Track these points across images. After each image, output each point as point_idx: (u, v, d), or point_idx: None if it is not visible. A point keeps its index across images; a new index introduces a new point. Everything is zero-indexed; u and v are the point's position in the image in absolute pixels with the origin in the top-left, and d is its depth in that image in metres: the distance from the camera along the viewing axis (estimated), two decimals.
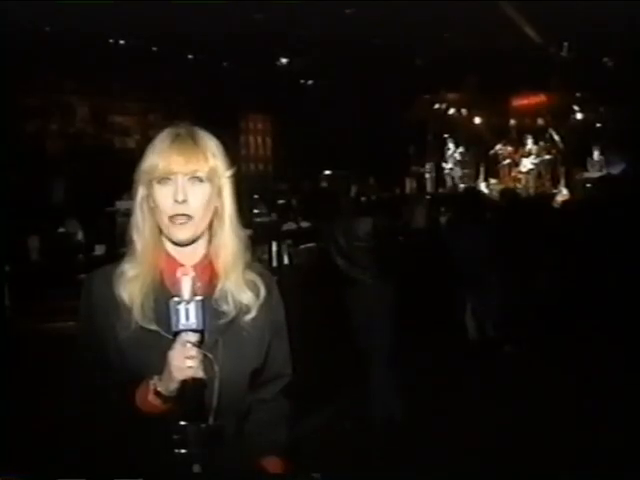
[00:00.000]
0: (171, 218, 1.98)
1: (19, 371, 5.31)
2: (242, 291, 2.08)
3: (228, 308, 2.06)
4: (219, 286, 2.07)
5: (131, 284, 2.01)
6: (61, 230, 9.32)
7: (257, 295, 2.10)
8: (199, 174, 1.98)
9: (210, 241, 2.08)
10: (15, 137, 14.02)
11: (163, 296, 1.96)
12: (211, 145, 2.04)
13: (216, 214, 2.05)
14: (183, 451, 1.88)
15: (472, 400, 6.34)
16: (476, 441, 5.39)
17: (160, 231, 2.05)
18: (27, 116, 15.50)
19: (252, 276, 2.12)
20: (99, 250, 8.27)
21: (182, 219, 1.98)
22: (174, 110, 16.37)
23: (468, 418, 5.89)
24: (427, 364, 7.20)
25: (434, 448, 5.34)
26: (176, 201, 1.96)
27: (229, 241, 2.07)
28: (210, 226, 2.06)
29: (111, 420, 1.99)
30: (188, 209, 1.98)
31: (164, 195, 1.98)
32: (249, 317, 2.08)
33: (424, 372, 6.93)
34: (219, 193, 2.04)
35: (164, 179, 1.98)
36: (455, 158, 19.14)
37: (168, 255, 2.06)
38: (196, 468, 1.89)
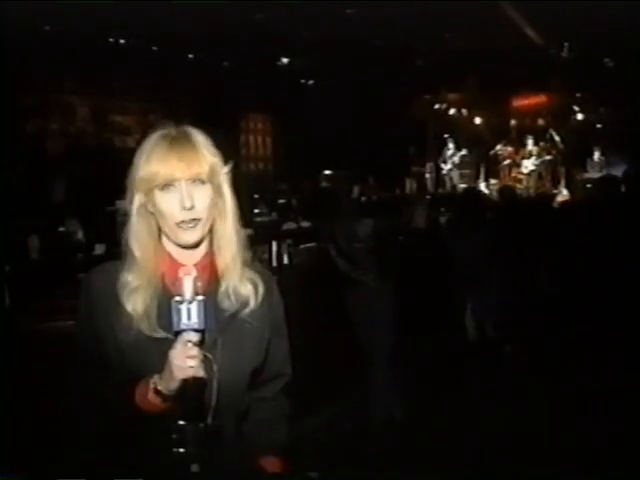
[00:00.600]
0: (178, 224, 1.98)
1: (19, 370, 5.31)
2: (242, 285, 2.08)
3: (229, 303, 2.06)
4: (219, 282, 2.07)
5: (134, 295, 2.00)
6: (61, 229, 9.32)
7: (256, 291, 2.10)
8: (201, 176, 1.98)
9: (212, 239, 2.07)
10: (15, 137, 14.01)
11: (166, 299, 1.95)
12: (206, 143, 2.03)
13: (217, 212, 2.05)
14: (182, 450, 1.87)
15: (472, 400, 6.32)
16: (476, 441, 5.38)
17: (160, 235, 2.04)
18: (27, 116, 15.47)
19: (251, 274, 2.12)
20: (99, 249, 8.27)
21: (190, 223, 1.98)
22: (174, 110, 16.34)
23: (468, 418, 5.87)
24: (427, 364, 7.21)
25: (434, 448, 5.32)
26: (184, 208, 1.95)
27: (231, 238, 2.07)
28: (212, 224, 2.06)
29: (110, 419, 1.99)
30: (195, 213, 1.97)
31: (168, 202, 1.97)
32: (248, 311, 2.08)
33: (424, 372, 6.92)
34: (219, 191, 2.03)
35: (167, 186, 1.96)
36: (455, 159, 19.08)
37: (170, 257, 2.05)
38: (194, 467, 1.88)
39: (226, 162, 2.07)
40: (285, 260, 8.28)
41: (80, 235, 9.22)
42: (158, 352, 1.91)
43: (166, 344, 1.89)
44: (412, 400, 6.06)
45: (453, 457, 5.12)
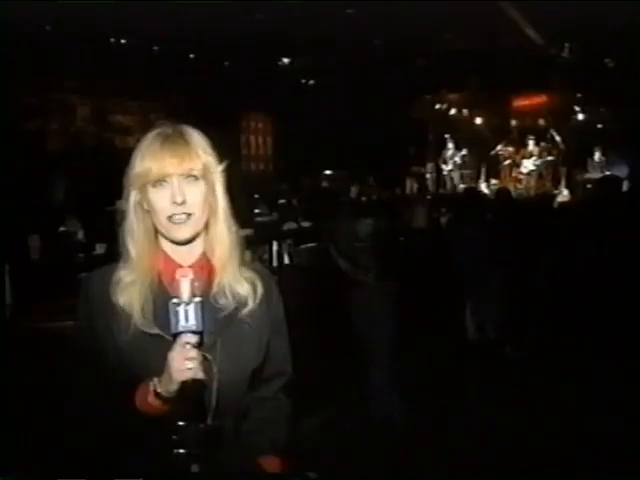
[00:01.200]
0: (170, 218, 1.97)
1: (18, 370, 5.29)
2: (239, 284, 2.07)
3: (227, 302, 2.04)
4: (216, 281, 2.06)
5: (128, 290, 1.99)
6: (62, 229, 9.23)
7: (254, 290, 2.09)
8: (194, 172, 1.97)
9: (206, 238, 2.07)
10: (16, 136, 13.94)
11: (162, 297, 1.95)
12: (201, 141, 2.02)
13: (210, 210, 2.04)
14: (182, 451, 1.86)
15: (472, 400, 6.31)
16: (476, 441, 5.34)
17: (156, 233, 2.03)
18: (28, 115, 15.40)
19: (250, 274, 2.11)
20: (100, 249, 8.20)
21: (181, 218, 1.97)
22: (175, 109, 16.31)
23: (468, 418, 5.86)
24: (427, 364, 7.15)
25: (434, 448, 5.28)
26: (175, 203, 1.94)
27: (224, 236, 2.06)
28: (206, 223, 2.05)
29: (111, 420, 1.98)
30: (187, 208, 1.96)
31: (161, 198, 1.96)
32: (247, 311, 2.06)
33: (424, 372, 6.87)
34: (212, 189, 2.02)
35: (159, 182, 1.96)
36: (456, 159, 18.86)
37: (166, 256, 2.05)
38: (195, 468, 1.87)
39: (221, 161, 2.07)
40: (286, 260, 8.21)
41: (81, 235, 9.15)
42: (155, 349, 1.90)
43: (163, 342, 1.89)
44: (412, 400, 5.99)
45: (453, 457, 5.09)
